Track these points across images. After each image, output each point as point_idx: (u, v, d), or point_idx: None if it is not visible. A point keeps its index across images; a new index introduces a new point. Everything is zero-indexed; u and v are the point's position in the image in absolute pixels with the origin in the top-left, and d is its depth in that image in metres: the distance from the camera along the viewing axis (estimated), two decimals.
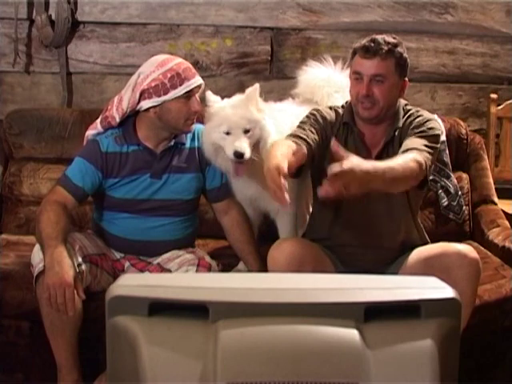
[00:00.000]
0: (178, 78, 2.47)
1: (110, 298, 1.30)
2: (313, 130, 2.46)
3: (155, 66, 2.50)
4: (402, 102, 2.54)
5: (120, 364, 1.32)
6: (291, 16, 3.56)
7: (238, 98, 2.59)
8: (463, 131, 3.30)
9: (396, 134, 2.48)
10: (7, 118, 3.25)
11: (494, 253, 2.97)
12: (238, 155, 2.46)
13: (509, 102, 3.55)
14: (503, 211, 3.25)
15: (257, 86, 2.56)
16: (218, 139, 2.53)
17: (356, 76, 2.42)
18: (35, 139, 3.21)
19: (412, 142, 2.38)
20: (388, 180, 2.16)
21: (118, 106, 2.57)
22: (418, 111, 2.53)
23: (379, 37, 2.41)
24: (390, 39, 2.41)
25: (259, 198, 2.67)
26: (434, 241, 2.64)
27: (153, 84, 2.47)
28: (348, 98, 2.65)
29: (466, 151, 3.29)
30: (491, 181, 3.31)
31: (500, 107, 3.55)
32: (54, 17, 3.39)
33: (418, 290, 1.35)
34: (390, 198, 2.45)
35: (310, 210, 2.77)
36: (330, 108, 2.57)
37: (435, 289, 1.37)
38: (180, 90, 2.47)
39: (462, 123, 3.34)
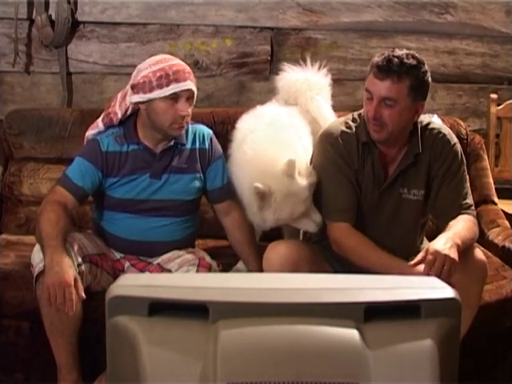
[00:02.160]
0: (165, 79, 2.46)
1: (110, 298, 1.30)
2: (347, 182, 2.42)
3: (150, 63, 2.52)
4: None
5: (120, 364, 1.32)
6: (291, 16, 3.55)
7: (283, 182, 2.41)
8: (463, 131, 3.30)
9: (416, 159, 2.41)
10: (7, 118, 3.25)
11: (493, 253, 2.96)
12: (320, 226, 2.47)
13: (509, 101, 3.55)
14: (503, 211, 3.25)
15: (292, 160, 2.39)
16: (289, 222, 2.51)
17: (367, 95, 2.31)
18: (35, 139, 3.21)
19: (456, 195, 2.42)
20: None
21: (122, 101, 2.59)
22: (438, 133, 2.45)
23: (398, 55, 2.27)
24: (408, 60, 2.26)
25: None
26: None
27: (141, 80, 2.48)
28: (329, 96, 2.76)
29: (465, 151, 3.27)
30: (491, 181, 3.31)
31: (500, 107, 3.55)
32: (54, 17, 3.38)
33: (418, 290, 1.35)
34: (407, 226, 2.48)
35: None
36: (342, 133, 2.44)
37: (435, 289, 1.37)
38: (165, 91, 2.46)
39: (462, 123, 3.34)
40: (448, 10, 3.63)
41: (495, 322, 2.68)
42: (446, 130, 2.50)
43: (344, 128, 2.45)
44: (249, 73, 3.57)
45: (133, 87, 2.51)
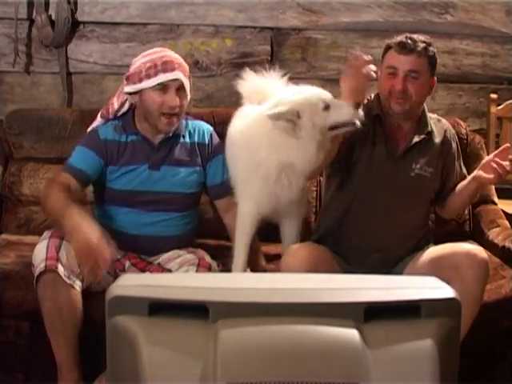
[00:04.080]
0: (154, 69, 2.51)
1: (110, 298, 1.30)
2: None
3: (143, 55, 2.58)
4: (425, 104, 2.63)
5: (120, 364, 1.31)
6: (291, 16, 3.56)
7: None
8: (463, 131, 3.30)
9: (428, 137, 2.57)
10: (7, 118, 3.25)
11: (493, 253, 2.96)
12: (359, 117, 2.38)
13: (509, 101, 3.55)
14: (503, 211, 3.25)
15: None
16: (320, 120, 2.38)
17: (391, 71, 2.47)
18: (35, 139, 3.21)
19: (462, 171, 2.70)
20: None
21: (119, 94, 2.65)
22: (444, 123, 2.69)
23: (414, 35, 2.50)
24: (424, 38, 2.51)
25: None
26: (434, 241, 2.65)
27: (133, 71, 2.55)
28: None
29: (465, 151, 3.28)
30: None
31: (500, 107, 3.54)
32: (54, 17, 3.39)
33: (417, 290, 1.35)
34: (414, 204, 2.56)
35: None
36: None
37: (435, 289, 1.36)
38: (153, 81, 2.51)
39: (462, 123, 3.34)
40: (448, 10, 3.63)
41: (494, 322, 2.68)
42: (443, 119, 2.73)
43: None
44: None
45: (126, 78, 2.57)
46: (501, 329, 2.70)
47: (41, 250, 2.39)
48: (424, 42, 2.49)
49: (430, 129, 2.58)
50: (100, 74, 3.53)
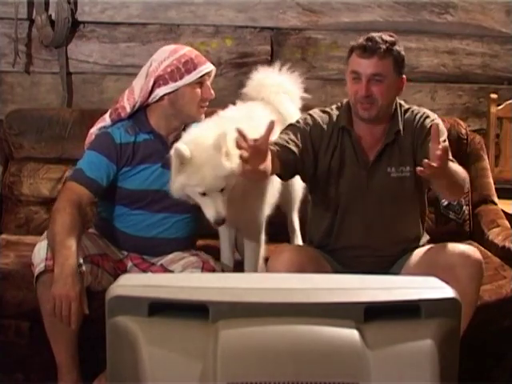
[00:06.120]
0: (191, 64, 2.50)
1: (110, 298, 1.30)
2: (297, 136, 2.44)
3: (168, 53, 2.55)
4: (397, 101, 2.52)
5: (120, 364, 1.32)
6: (291, 16, 3.56)
7: (207, 150, 2.35)
8: (463, 131, 3.30)
9: (398, 136, 2.46)
10: (7, 118, 3.25)
11: (493, 253, 2.96)
12: (220, 222, 2.35)
13: (509, 102, 3.55)
14: (503, 211, 3.25)
15: (224, 133, 2.32)
16: (194, 195, 2.39)
17: (354, 76, 2.37)
18: (35, 139, 3.20)
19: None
20: (459, 179, 2.32)
21: (129, 96, 2.58)
22: (418, 112, 2.51)
23: (376, 35, 2.37)
24: (387, 37, 2.37)
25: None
26: (434, 241, 2.64)
27: (168, 69, 2.51)
28: (297, 102, 2.77)
29: (466, 151, 3.29)
30: (491, 181, 3.31)
31: (500, 107, 3.54)
32: (54, 17, 3.39)
33: (417, 290, 1.35)
34: (401, 207, 2.49)
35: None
36: (324, 112, 2.53)
37: (435, 289, 1.37)
38: (194, 75, 2.50)
39: (462, 123, 3.34)
40: (448, 10, 3.63)
41: (495, 322, 2.68)
42: (427, 111, 2.55)
43: (322, 114, 2.52)
44: (249, 73, 3.56)
45: (157, 79, 2.51)
46: (501, 329, 2.70)
47: (41, 250, 2.39)
48: (387, 41, 2.35)
49: (399, 127, 2.46)
50: (100, 74, 3.53)
